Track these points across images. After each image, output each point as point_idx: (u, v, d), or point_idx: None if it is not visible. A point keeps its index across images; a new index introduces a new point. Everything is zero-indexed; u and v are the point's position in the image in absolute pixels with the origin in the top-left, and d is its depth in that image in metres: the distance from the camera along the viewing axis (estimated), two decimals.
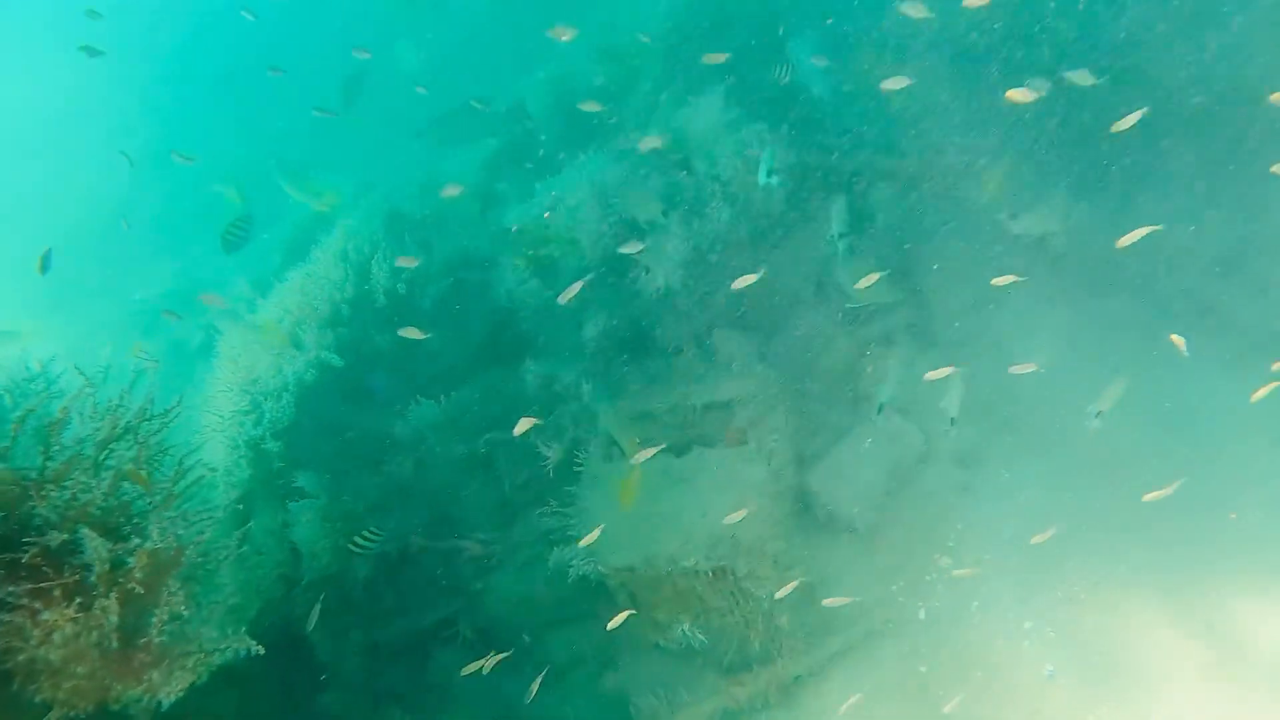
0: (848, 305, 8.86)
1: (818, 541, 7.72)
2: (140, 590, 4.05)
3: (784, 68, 9.30)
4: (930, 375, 7.41)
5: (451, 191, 8.31)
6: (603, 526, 6.60)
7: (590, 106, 8.89)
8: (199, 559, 4.95)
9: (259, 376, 8.69)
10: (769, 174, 8.17)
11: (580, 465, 7.92)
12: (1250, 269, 9.31)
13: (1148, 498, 7.07)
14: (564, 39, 6.53)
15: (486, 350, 9.26)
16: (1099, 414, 9.17)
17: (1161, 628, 7.37)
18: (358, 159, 12.36)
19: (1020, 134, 10.38)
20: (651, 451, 6.67)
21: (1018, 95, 7.19)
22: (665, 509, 7.19)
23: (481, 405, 8.72)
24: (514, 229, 9.27)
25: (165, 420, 4.99)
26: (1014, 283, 9.73)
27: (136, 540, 4.17)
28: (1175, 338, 7.41)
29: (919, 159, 9.85)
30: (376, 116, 12.89)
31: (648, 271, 8.72)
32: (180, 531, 4.42)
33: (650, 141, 8.60)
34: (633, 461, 6.99)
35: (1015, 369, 7.45)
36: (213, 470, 8.30)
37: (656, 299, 8.73)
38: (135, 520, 4.47)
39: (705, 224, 8.89)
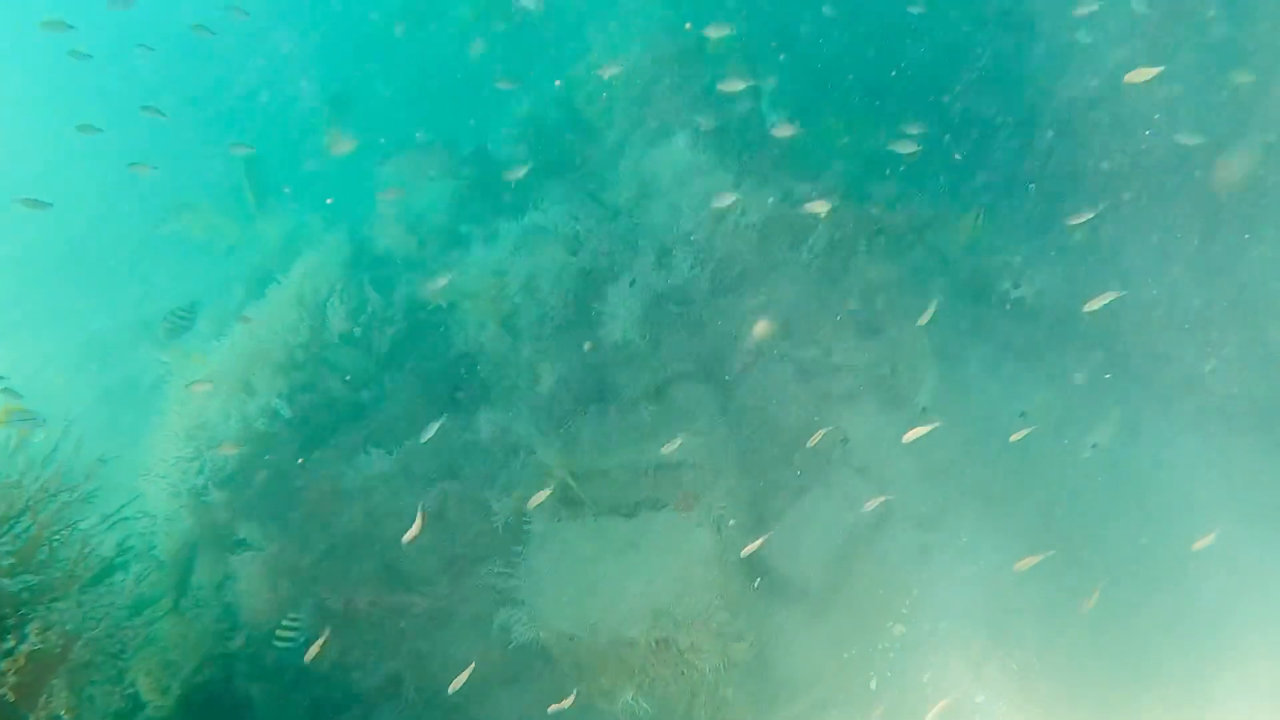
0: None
1: (769, 608, 7.55)
2: (10, 697, 3.83)
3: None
4: (908, 436, 7.30)
5: (390, 195, 8.18)
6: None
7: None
8: (106, 641, 4.76)
9: (206, 421, 8.51)
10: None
11: (529, 523, 7.75)
12: (1212, 330, 9.23)
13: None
14: (507, 87, 6.44)
15: (443, 396, 9.08)
16: (1094, 446, 9.13)
17: (1117, 705, 7.23)
18: (331, 188, 12.20)
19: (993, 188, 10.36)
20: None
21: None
22: (610, 575, 7.02)
23: (434, 454, 8.53)
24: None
25: (74, 494, 4.80)
26: (984, 335, 9.68)
27: (11, 642, 3.96)
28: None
29: (903, 212, 9.80)
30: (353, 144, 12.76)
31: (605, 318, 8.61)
32: (73, 624, 4.21)
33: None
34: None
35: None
36: (152, 518, 8.14)
37: (616, 349, 8.60)
38: (22, 612, 4.26)
39: (667, 273, 8.77)
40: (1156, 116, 9.23)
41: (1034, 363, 9.64)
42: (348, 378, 8.94)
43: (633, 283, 8.76)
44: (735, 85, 9.28)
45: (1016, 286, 9.77)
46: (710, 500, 7.43)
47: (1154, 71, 6.71)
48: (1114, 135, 9.90)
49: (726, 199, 8.16)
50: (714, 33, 9.54)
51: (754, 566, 7.69)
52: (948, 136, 10.97)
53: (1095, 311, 9.26)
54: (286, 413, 8.60)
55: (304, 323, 8.97)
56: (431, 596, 8.09)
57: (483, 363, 9.06)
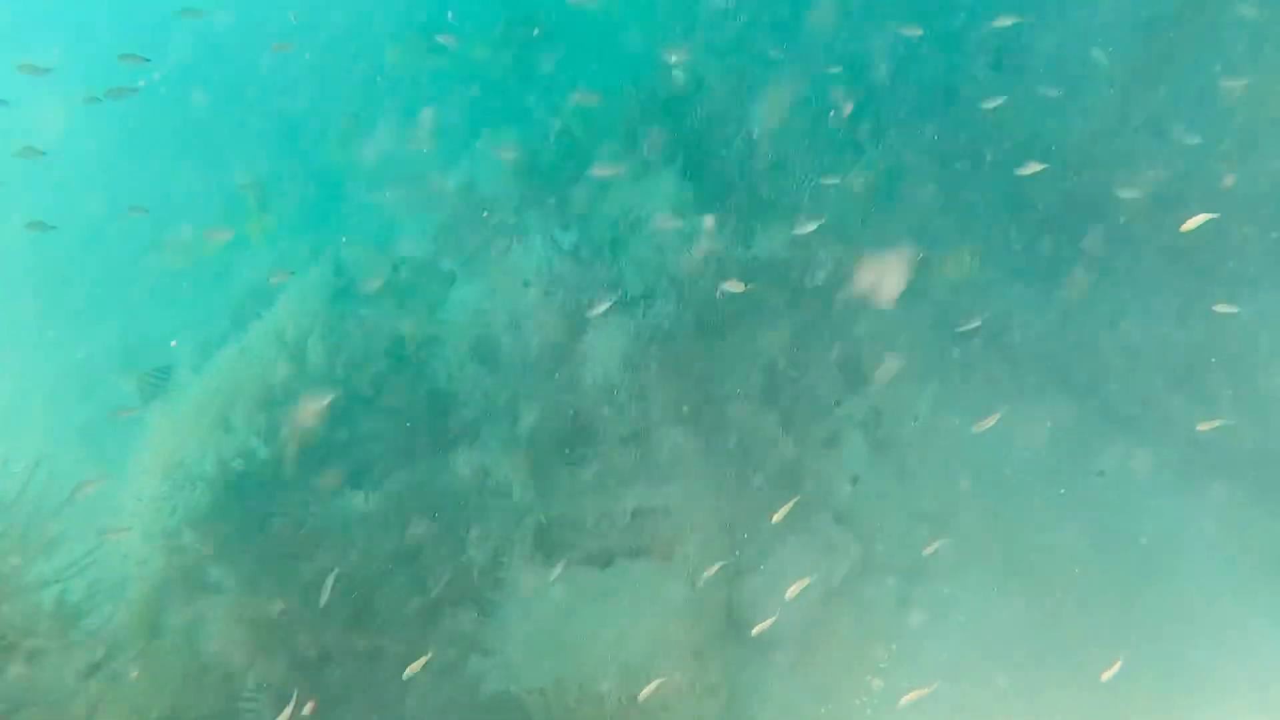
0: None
1: (744, 660, 7.44)
2: None
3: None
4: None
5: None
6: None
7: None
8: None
9: (183, 460, 8.44)
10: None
11: (504, 568, 7.67)
12: (1199, 380, 9.17)
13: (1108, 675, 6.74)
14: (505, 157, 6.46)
15: (422, 436, 9.01)
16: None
17: None
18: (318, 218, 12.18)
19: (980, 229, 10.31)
20: None
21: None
22: (583, 626, 6.93)
23: (413, 495, 8.45)
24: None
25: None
26: (964, 382, 9.60)
27: None
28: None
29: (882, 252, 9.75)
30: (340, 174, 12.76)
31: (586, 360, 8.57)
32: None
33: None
34: None
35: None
36: (125, 558, 8.06)
37: (596, 391, 8.55)
38: None
39: (649, 315, 8.73)
40: (1150, 171, 9.19)
41: (1023, 407, 9.56)
42: (327, 416, 8.86)
43: (620, 298, 8.70)
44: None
45: (1008, 329, 9.72)
46: (687, 549, 7.34)
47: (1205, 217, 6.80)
48: (1108, 178, 9.90)
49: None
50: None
51: (733, 616, 7.60)
52: (938, 170, 10.97)
53: (1085, 356, 9.20)
54: (264, 452, 8.52)
55: (284, 359, 8.91)
56: (404, 641, 7.99)
57: (463, 401, 8.99)
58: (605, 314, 8.66)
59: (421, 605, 8.07)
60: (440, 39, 10.13)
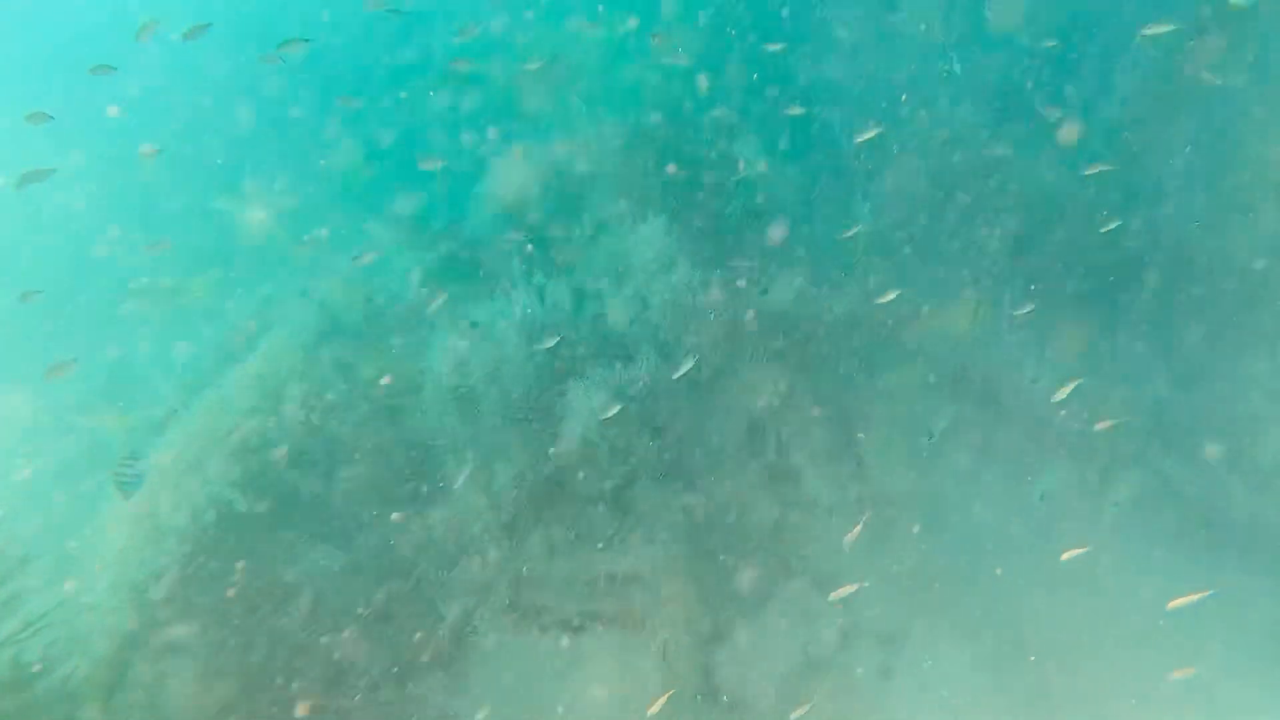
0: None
1: None
2: None
3: None
4: (848, 537, 7.05)
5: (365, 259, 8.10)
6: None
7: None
8: None
9: (155, 509, 8.30)
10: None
11: (474, 632, 7.48)
12: (1199, 445, 8.94)
13: None
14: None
15: (398, 489, 8.86)
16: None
17: None
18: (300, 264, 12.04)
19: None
20: None
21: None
22: (551, 696, 6.73)
23: (385, 550, 8.29)
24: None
25: None
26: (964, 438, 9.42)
27: None
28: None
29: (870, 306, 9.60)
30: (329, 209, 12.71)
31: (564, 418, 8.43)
32: None
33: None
34: None
35: None
36: (93, 610, 7.91)
37: (575, 447, 8.38)
38: None
39: (631, 369, 8.58)
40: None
41: (1012, 468, 9.35)
42: (303, 466, 8.74)
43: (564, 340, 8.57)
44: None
45: (1034, 381, 9.48)
46: (660, 618, 7.14)
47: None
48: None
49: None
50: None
51: (708, 686, 7.37)
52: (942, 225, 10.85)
53: (1078, 420, 9.00)
54: (239, 503, 8.38)
55: (263, 407, 8.79)
56: (374, 703, 7.79)
57: (440, 454, 8.84)
58: (587, 367, 8.54)
59: (390, 666, 7.89)
60: (457, 65, 10.03)
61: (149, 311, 10.13)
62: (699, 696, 7.16)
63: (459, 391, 9.08)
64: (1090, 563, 8.48)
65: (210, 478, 8.52)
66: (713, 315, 8.87)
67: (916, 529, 8.39)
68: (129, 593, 7.91)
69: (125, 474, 7.65)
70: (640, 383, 8.55)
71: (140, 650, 7.83)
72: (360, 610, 8.11)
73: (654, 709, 6.14)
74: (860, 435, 8.80)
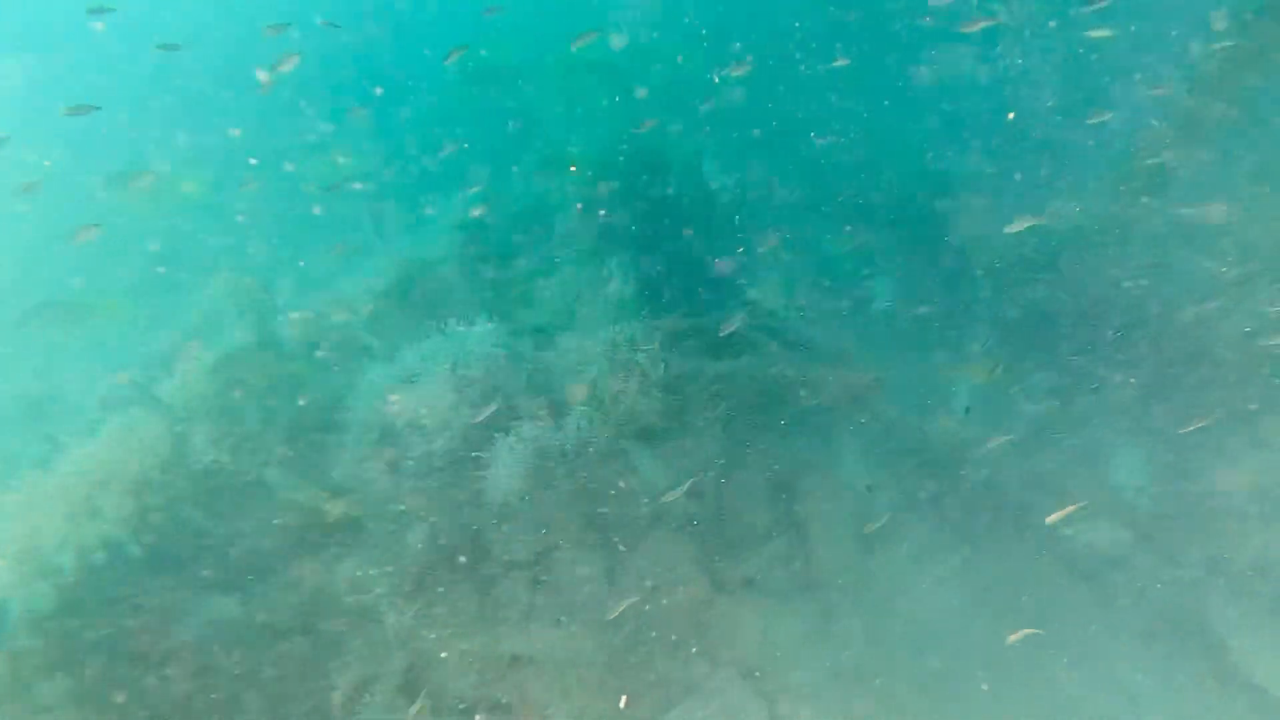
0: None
1: None
2: None
3: None
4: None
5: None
6: None
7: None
8: None
9: (39, 545, 7.69)
10: None
11: (365, 706, 6.86)
12: (1169, 538, 8.37)
13: None
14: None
15: (307, 537, 8.25)
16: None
17: None
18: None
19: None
20: None
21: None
22: None
23: (283, 604, 7.67)
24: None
25: None
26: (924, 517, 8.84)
27: None
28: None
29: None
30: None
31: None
32: None
33: None
34: None
35: None
36: None
37: (496, 507, 7.79)
38: None
39: (561, 427, 8.00)
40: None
41: (975, 550, 8.76)
42: (206, 507, 8.13)
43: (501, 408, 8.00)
44: None
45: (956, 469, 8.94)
46: (565, 711, 6.52)
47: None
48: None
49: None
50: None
51: None
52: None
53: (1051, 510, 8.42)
54: (131, 545, 7.77)
55: (167, 441, 8.19)
56: None
57: (356, 503, 8.23)
58: (514, 423, 7.97)
59: None
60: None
61: (53, 332, 9.54)
62: None
63: (381, 435, 8.49)
64: (1050, 659, 7.92)
65: (103, 515, 7.92)
66: (654, 372, 8.29)
67: (859, 619, 7.80)
68: None
69: None
70: (570, 441, 7.96)
71: (2, 709, 7.20)
72: (251, 671, 7.50)
73: None
74: (802, 508, 8.22)
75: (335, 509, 8.11)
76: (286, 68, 7.85)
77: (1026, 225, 6.78)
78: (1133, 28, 10.54)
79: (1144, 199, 9.13)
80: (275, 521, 8.14)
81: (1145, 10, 10.72)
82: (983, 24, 9.02)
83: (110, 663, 7.38)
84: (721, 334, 7.19)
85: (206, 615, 7.71)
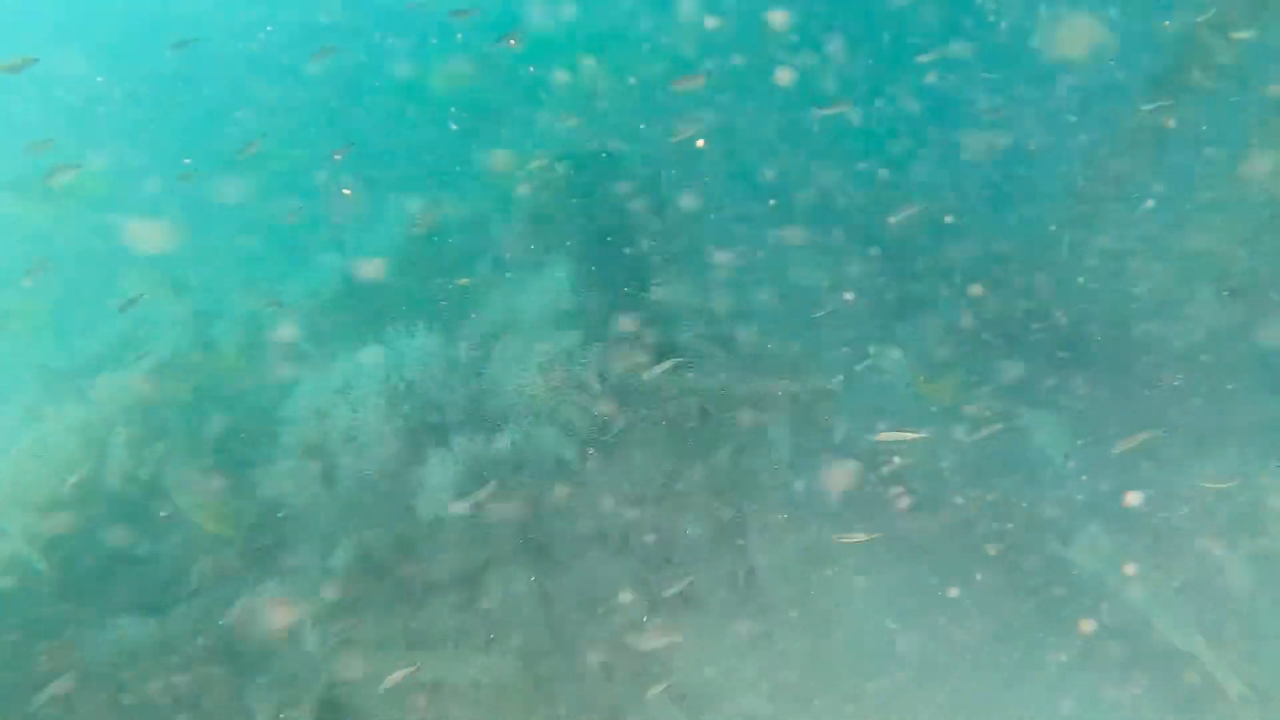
0: None
1: None
2: None
3: None
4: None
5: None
6: None
7: None
8: None
9: None
10: None
11: None
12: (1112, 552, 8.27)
13: None
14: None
15: (231, 554, 7.92)
16: None
17: None
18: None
19: None
20: None
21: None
22: None
23: (200, 628, 7.34)
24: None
25: None
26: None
27: None
28: None
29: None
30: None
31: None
32: None
33: None
34: None
35: None
36: None
37: (426, 524, 7.51)
38: None
39: (496, 441, 7.75)
40: None
41: (923, 565, 8.59)
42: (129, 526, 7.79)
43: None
44: None
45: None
46: None
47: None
48: None
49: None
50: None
51: None
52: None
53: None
54: (40, 565, 7.41)
55: (84, 455, 7.84)
56: None
57: (284, 518, 7.92)
58: (448, 436, 7.71)
59: None
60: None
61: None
62: None
63: (317, 447, 8.19)
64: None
65: (12, 534, 7.54)
66: (598, 384, 8.07)
67: (801, 639, 7.60)
68: None
69: None
70: (509, 457, 7.71)
71: None
72: (165, 695, 7.16)
73: None
74: (750, 528, 8.02)
75: (260, 525, 7.80)
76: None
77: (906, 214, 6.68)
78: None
79: (1090, 207, 9.08)
80: (195, 539, 7.81)
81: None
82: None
83: (13, 685, 7.02)
84: (645, 378, 7.02)
85: (120, 639, 7.36)
